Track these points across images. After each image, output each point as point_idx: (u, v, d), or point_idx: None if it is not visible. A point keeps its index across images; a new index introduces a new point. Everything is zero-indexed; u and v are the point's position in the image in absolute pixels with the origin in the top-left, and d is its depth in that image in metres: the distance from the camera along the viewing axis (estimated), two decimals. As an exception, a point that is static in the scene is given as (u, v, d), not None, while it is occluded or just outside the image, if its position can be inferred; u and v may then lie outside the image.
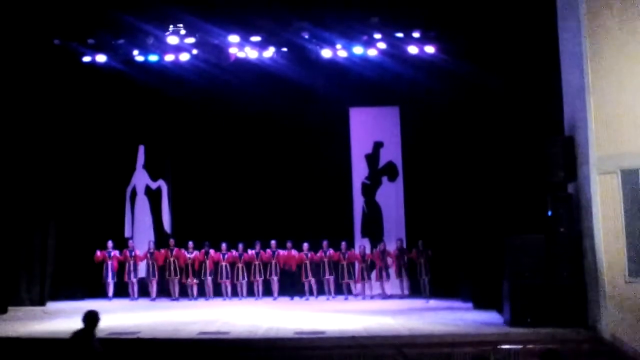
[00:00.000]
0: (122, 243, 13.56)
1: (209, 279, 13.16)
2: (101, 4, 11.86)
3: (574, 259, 9.01)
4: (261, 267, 13.13)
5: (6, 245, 11.97)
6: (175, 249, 13.28)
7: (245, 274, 13.15)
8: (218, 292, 13.29)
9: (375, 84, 13.31)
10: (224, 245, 13.25)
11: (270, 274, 13.12)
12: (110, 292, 13.30)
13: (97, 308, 12.21)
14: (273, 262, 13.10)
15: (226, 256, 13.18)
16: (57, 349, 7.41)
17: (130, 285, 13.32)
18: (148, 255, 13.31)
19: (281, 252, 13.16)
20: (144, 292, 13.43)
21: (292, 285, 13.22)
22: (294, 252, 13.13)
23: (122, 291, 13.38)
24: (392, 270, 13.03)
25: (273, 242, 13.19)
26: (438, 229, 12.98)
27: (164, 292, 13.37)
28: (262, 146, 14.01)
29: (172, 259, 13.22)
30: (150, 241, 13.61)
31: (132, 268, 13.23)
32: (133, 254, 13.34)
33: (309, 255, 13.08)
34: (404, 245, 13.15)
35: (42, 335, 8.86)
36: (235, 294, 13.25)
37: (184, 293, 13.31)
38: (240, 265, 13.14)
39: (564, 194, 9.46)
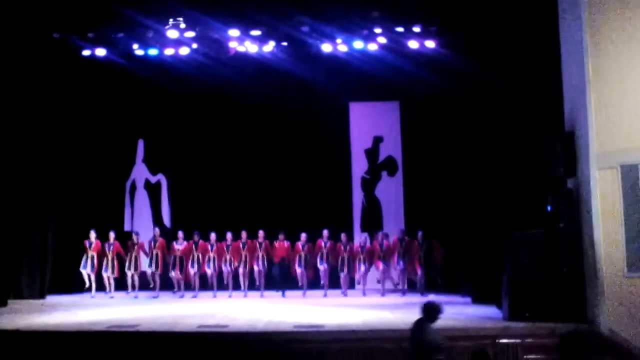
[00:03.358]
0: (121, 236, 13.43)
1: (195, 271, 12.44)
2: (101, -2, 11.86)
3: (574, 254, 9.01)
4: (247, 258, 12.44)
5: (6, 238, 11.97)
6: (160, 240, 12.71)
7: (233, 266, 12.44)
8: (204, 286, 12.66)
9: (375, 79, 13.28)
10: (212, 236, 12.58)
11: (258, 266, 12.47)
12: (87, 283, 12.60)
13: (95, 301, 12.25)
14: (260, 253, 12.50)
15: (214, 248, 12.53)
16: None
17: (105, 279, 12.59)
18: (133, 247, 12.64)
19: (268, 243, 12.57)
20: (121, 286, 12.81)
21: (284, 279, 12.57)
22: (286, 243, 12.56)
23: (121, 284, 13.11)
24: (393, 263, 12.57)
25: (261, 232, 12.57)
26: (437, 223, 12.99)
27: (145, 286, 12.76)
28: (261, 141, 13.99)
29: (155, 251, 12.56)
30: (133, 233, 13.05)
31: (108, 263, 12.53)
32: (111, 247, 12.66)
33: (306, 247, 12.51)
34: (406, 236, 12.60)
35: (41, 328, 8.87)
36: (221, 287, 12.55)
37: (169, 287, 12.82)
38: (227, 256, 12.47)
39: (563, 189, 9.46)
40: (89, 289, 12.68)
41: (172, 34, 12.54)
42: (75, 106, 13.45)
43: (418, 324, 6.24)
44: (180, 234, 12.80)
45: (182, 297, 12.58)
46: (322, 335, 8.37)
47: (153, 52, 12.97)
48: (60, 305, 11.47)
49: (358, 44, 12.57)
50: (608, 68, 8.61)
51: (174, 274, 12.64)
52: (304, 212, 13.58)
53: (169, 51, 12.91)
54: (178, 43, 12.78)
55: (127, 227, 13.99)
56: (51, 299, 12.44)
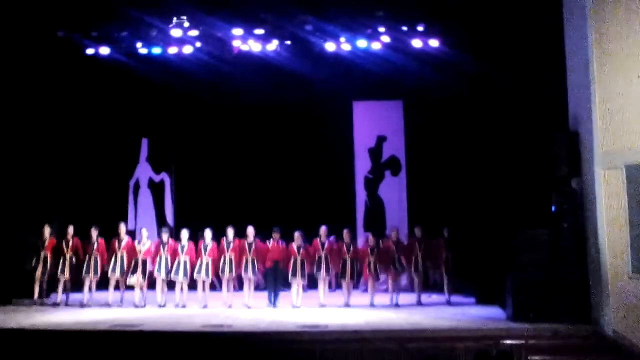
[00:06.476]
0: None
1: (163, 278, 10.73)
2: (105, -3, 11.88)
3: (578, 255, 8.99)
4: (232, 261, 10.75)
5: (10, 237, 11.99)
6: (128, 240, 11.11)
7: (210, 271, 10.79)
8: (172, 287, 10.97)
9: (379, 78, 13.24)
10: (184, 233, 10.89)
11: (246, 270, 10.71)
12: (36, 293, 11.03)
13: (99, 300, 12.12)
14: (250, 257, 10.74)
15: (185, 249, 10.75)
16: None
17: (61, 283, 11.19)
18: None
19: (261, 243, 10.92)
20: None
21: (277, 285, 11.01)
22: (281, 244, 10.94)
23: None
24: (410, 266, 11.15)
25: (250, 229, 10.86)
26: (441, 224, 12.92)
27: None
28: (265, 140, 13.99)
29: (120, 253, 10.90)
30: (92, 228, 11.31)
31: (66, 263, 11.10)
32: (70, 245, 11.14)
33: (302, 250, 10.82)
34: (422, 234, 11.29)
35: (45, 327, 8.89)
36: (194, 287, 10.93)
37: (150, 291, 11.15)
38: (204, 259, 10.74)
39: (568, 189, 9.43)
40: (41, 296, 11.11)
41: (176, 33, 12.55)
42: (79, 105, 13.45)
43: None
44: (144, 231, 11.18)
45: (144, 307, 10.80)
46: (326, 335, 8.37)
47: (157, 51, 13.00)
48: (64, 305, 11.46)
49: (362, 43, 12.56)
50: (613, 67, 8.57)
51: (135, 281, 10.75)
52: (307, 213, 13.50)
53: (172, 50, 12.93)
54: (182, 42, 12.80)
55: (131, 227, 13.96)
56: (54, 298, 12.43)
